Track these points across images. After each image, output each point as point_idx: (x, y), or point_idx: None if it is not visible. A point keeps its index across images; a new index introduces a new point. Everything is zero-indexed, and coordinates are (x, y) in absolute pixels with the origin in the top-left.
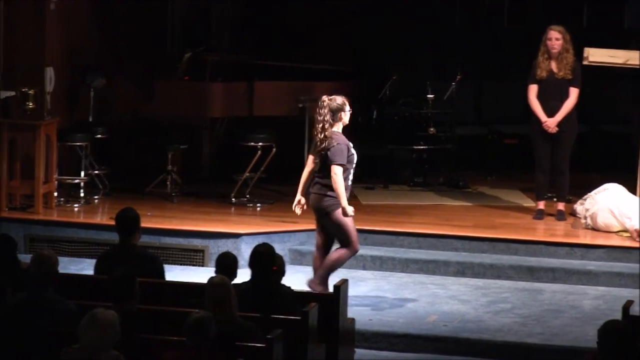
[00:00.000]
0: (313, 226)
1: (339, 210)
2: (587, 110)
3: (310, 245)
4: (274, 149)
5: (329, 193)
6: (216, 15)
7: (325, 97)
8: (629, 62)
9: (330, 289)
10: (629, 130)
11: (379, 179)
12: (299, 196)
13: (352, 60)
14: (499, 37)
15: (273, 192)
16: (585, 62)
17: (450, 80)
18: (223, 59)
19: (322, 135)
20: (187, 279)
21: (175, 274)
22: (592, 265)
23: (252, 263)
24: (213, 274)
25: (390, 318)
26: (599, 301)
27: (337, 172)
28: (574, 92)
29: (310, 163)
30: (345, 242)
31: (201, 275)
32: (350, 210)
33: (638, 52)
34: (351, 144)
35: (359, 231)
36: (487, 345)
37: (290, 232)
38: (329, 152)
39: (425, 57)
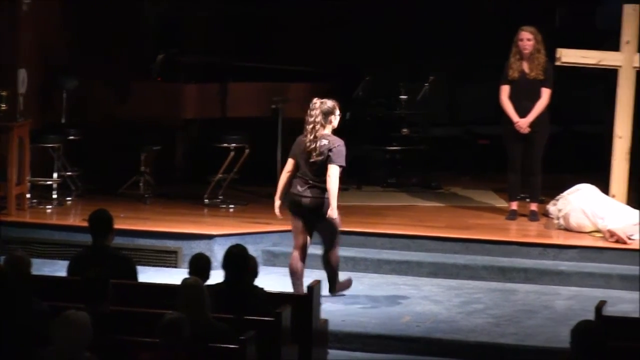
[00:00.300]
0: (286, 227)
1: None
2: (559, 110)
3: (284, 246)
4: (247, 150)
5: (322, 194)
6: (190, 16)
7: (316, 100)
8: (601, 63)
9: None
10: (601, 131)
11: (352, 180)
12: (278, 201)
13: (326, 61)
14: (472, 38)
15: (246, 193)
16: (557, 63)
17: (424, 81)
18: (196, 60)
19: (313, 137)
20: (160, 281)
21: (148, 275)
22: (564, 265)
23: (226, 264)
24: (186, 275)
25: (364, 319)
26: (571, 301)
27: (336, 172)
28: (546, 93)
29: (289, 166)
30: (333, 242)
31: (174, 276)
32: (336, 213)
33: (611, 52)
34: None
35: None
36: (460, 345)
37: (263, 234)
38: (331, 154)
39: (398, 58)
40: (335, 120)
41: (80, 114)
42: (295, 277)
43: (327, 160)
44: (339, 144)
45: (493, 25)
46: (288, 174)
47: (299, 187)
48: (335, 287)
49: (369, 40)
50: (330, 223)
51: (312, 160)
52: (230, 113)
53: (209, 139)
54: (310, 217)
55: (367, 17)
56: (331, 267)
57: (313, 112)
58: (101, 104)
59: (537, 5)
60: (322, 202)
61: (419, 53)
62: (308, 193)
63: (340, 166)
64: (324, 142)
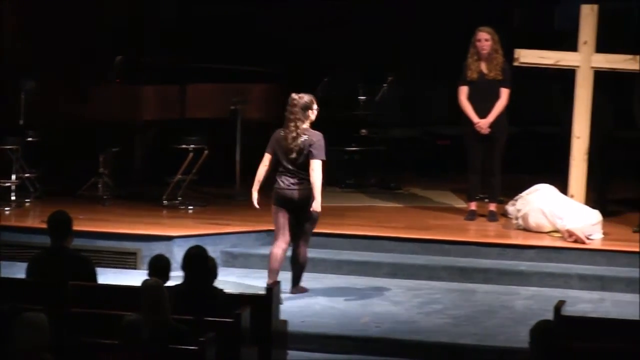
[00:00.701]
0: (245, 228)
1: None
2: (518, 111)
3: (243, 247)
4: (206, 151)
5: (309, 187)
6: (149, 18)
7: (294, 95)
8: (559, 63)
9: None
10: (559, 131)
11: None
12: (256, 194)
13: (285, 62)
14: (430, 38)
15: (205, 194)
16: (516, 63)
17: (382, 82)
18: (155, 61)
19: (295, 133)
20: (119, 282)
21: (107, 276)
22: (523, 265)
23: (185, 265)
24: (146, 277)
25: (323, 320)
26: (530, 301)
27: (319, 167)
28: (504, 93)
29: (266, 161)
30: (306, 239)
31: (134, 278)
32: (319, 206)
33: (568, 53)
34: None
35: None
36: (420, 346)
37: (222, 235)
38: (312, 149)
39: (357, 59)
40: (312, 114)
41: (38, 116)
42: (274, 272)
43: (309, 155)
44: (318, 139)
45: (451, 26)
46: (265, 167)
47: (285, 182)
48: (298, 285)
49: (328, 40)
50: (310, 218)
51: (293, 156)
52: (189, 114)
53: (168, 140)
54: (298, 210)
55: (326, 18)
56: (300, 264)
57: (293, 109)
58: (60, 106)
59: (494, 5)
60: (310, 195)
61: (377, 53)
62: (296, 187)
63: (323, 160)
64: (304, 137)
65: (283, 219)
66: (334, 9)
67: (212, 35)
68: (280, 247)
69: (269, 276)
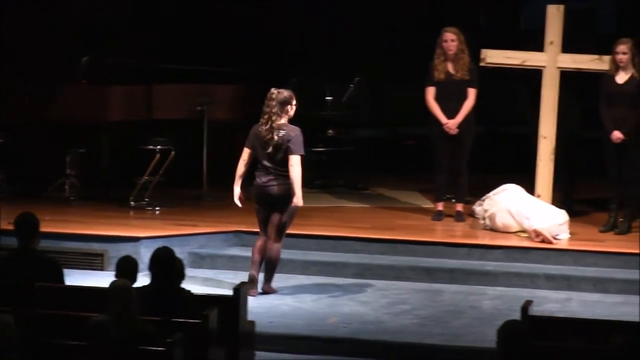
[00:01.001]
0: (213, 229)
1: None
2: (485, 111)
3: (210, 248)
4: (173, 152)
5: (291, 183)
6: (116, 18)
7: (273, 90)
8: (525, 63)
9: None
10: (526, 131)
11: None
12: (237, 189)
13: (251, 62)
14: (397, 39)
15: (172, 195)
16: (482, 64)
17: (349, 83)
18: (122, 62)
19: (269, 126)
20: (86, 283)
21: (74, 278)
22: (490, 265)
23: (152, 266)
24: (113, 278)
25: (291, 320)
26: (497, 301)
27: (297, 162)
28: (472, 93)
29: (245, 155)
30: (282, 232)
31: (101, 279)
32: (301, 200)
33: (535, 53)
34: None
35: (258, 234)
36: (387, 346)
37: (189, 236)
38: (290, 144)
39: (323, 60)
40: (291, 110)
41: (4, 117)
42: (254, 264)
43: (287, 150)
44: (296, 134)
45: (417, 26)
46: (244, 162)
47: (263, 178)
48: (268, 284)
49: (295, 41)
50: (290, 210)
51: (269, 150)
52: (156, 115)
53: (135, 141)
54: (278, 205)
55: (292, 18)
56: (270, 261)
57: (270, 103)
58: (26, 106)
59: (461, 6)
60: (289, 189)
61: (344, 54)
62: (274, 182)
63: (301, 155)
64: (282, 132)
65: (261, 215)
66: (301, 9)
67: (180, 35)
68: (261, 239)
69: (251, 267)
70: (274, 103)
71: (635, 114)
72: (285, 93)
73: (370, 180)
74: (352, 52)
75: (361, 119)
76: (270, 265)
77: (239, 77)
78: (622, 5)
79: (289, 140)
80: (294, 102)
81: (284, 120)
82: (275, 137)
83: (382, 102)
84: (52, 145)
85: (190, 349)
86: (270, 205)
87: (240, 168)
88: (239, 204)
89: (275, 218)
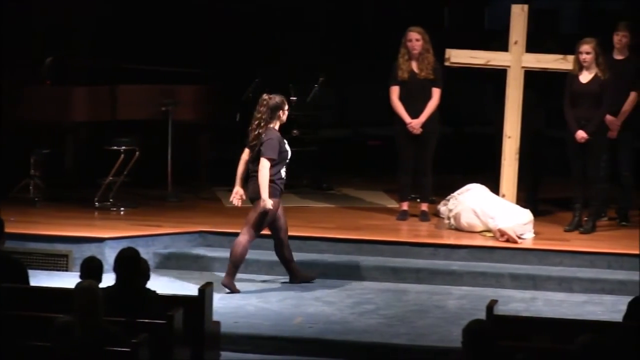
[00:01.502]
0: (177, 229)
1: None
2: (450, 111)
3: (175, 248)
4: (137, 153)
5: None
6: (80, 18)
7: (265, 96)
8: (490, 63)
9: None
10: (491, 131)
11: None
12: (237, 188)
13: (216, 63)
14: (361, 39)
15: (137, 195)
16: (447, 63)
17: (314, 83)
18: (86, 62)
19: (257, 132)
20: (51, 284)
21: (39, 279)
22: (456, 265)
23: (117, 267)
24: (78, 279)
25: (256, 321)
26: (463, 301)
27: (264, 165)
28: (436, 93)
29: (244, 156)
30: (252, 227)
31: (66, 280)
32: (269, 203)
33: (499, 52)
34: (285, 141)
35: (223, 234)
36: (353, 346)
37: (154, 236)
38: (262, 146)
39: (288, 60)
40: (283, 115)
41: None
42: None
43: (259, 152)
44: (269, 137)
45: (381, 26)
46: (243, 161)
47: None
48: (229, 278)
49: (259, 41)
50: (255, 212)
51: (252, 153)
52: (120, 115)
53: (99, 141)
54: (253, 204)
55: (255, 20)
56: (232, 253)
57: (261, 109)
58: None
59: (426, 6)
60: (258, 190)
61: (308, 54)
62: (250, 183)
63: (268, 158)
64: (262, 136)
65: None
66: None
67: (144, 36)
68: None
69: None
70: (264, 109)
71: (599, 113)
72: (277, 99)
73: (335, 180)
74: (317, 52)
75: (325, 119)
76: (230, 258)
77: (203, 78)
78: (586, 5)
79: (262, 143)
80: (286, 107)
81: (273, 125)
82: (256, 141)
83: (347, 102)
84: (17, 146)
85: (155, 350)
86: (252, 202)
87: (240, 168)
88: (236, 203)
89: (248, 215)
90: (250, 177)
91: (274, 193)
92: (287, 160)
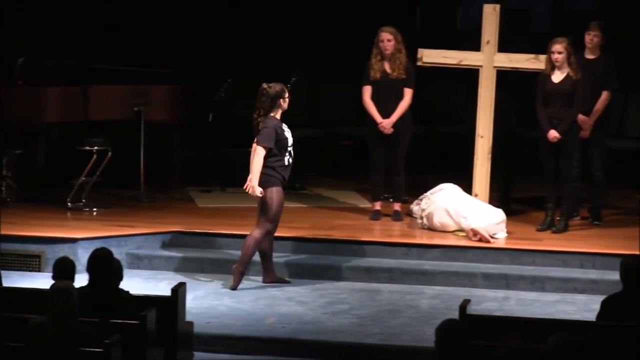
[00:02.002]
0: (150, 230)
1: (272, 189)
2: (422, 111)
3: (148, 249)
4: (110, 153)
5: (265, 171)
6: (52, 18)
7: (265, 85)
8: (462, 63)
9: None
10: (463, 131)
11: (216, 182)
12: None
13: (188, 63)
14: (333, 39)
15: (109, 196)
16: (419, 63)
17: (286, 83)
18: (58, 63)
19: (257, 122)
20: (24, 285)
21: (12, 279)
22: (428, 265)
23: (90, 268)
24: (50, 280)
25: (229, 321)
26: (435, 300)
27: (258, 152)
28: (408, 93)
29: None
30: (262, 220)
31: (38, 280)
32: (257, 190)
33: (471, 52)
34: (285, 127)
35: (196, 234)
36: (326, 346)
37: (127, 236)
38: (258, 135)
39: (260, 60)
40: (284, 103)
41: None
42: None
43: (255, 140)
44: (265, 125)
45: (352, 25)
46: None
47: None
48: (240, 267)
49: (230, 41)
50: (262, 203)
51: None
52: (92, 116)
53: (72, 142)
54: None
55: (227, 20)
56: (245, 247)
57: (261, 99)
58: None
59: (398, 6)
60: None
61: (279, 54)
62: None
63: (263, 147)
64: (261, 125)
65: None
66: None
67: (116, 36)
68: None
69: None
70: (263, 98)
71: (572, 113)
72: (277, 87)
73: (308, 180)
74: (289, 52)
75: (297, 119)
76: (244, 253)
77: (175, 78)
78: (557, 5)
79: (258, 132)
80: (286, 95)
81: (274, 114)
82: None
83: (319, 102)
84: None
85: (128, 350)
86: None
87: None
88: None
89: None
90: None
91: (273, 182)
92: (290, 147)
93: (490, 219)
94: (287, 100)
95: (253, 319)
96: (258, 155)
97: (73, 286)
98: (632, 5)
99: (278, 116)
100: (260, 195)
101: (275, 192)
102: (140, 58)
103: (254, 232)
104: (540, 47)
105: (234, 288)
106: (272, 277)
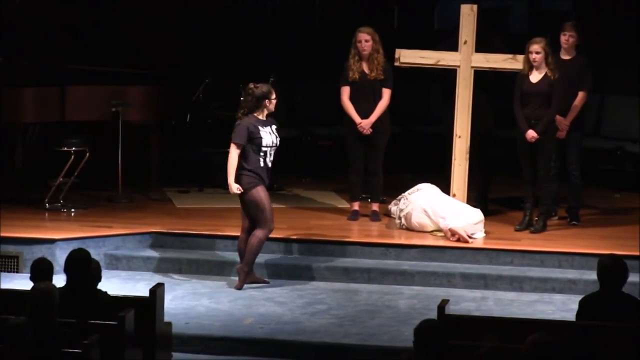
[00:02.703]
0: (128, 230)
1: (255, 190)
2: (400, 111)
3: (126, 249)
4: (88, 154)
5: (242, 172)
6: (28, 18)
7: (251, 85)
8: (440, 63)
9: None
10: (440, 131)
11: (193, 182)
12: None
13: (165, 63)
14: (311, 39)
15: (87, 196)
16: (396, 63)
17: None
18: (34, 63)
19: (239, 121)
20: (2, 286)
21: None
22: (407, 265)
23: (68, 268)
24: (28, 280)
25: (207, 321)
26: (414, 300)
27: (230, 149)
28: (386, 93)
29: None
30: (260, 221)
31: (16, 281)
32: (234, 188)
33: (449, 52)
34: (265, 128)
35: (174, 235)
36: (304, 346)
37: (105, 237)
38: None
39: (238, 60)
40: (270, 104)
41: None
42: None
43: None
44: (239, 123)
45: (329, 25)
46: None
47: None
48: (244, 268)
49: (208, 41)
50: (248, 198)
51: None
52: (70, 116)
53: (49, 142)
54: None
55: (208, 19)
56: (249, 248)
57: (247, 98)
58: None
59: (375, 6)
60: (238, 178)
61: (257, 55)
62: None
63: (234, 143)
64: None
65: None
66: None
67: (93, 37)
68: (241, 232)
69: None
70: (249, 98)
71: (549, 113)
72: (263, 88)
73: (286, 180)
74: (267, 52)
75: (276, 119)
76: (247, 253)
77: (153, 79)
78: (534, 5)
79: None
80: (273, 96)
81: (258, 114)
82: None
83: (297, 102)
84: None
85: (106, 351)
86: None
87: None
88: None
89: (248, 209)
90: None
91: (255, 183)
92: (265, 148)
93: (469, 219)
94: (273, 101)
95: (231, 319)
96: (230, 152)
97: (55, 287)
98: (607, 5)
99: (262, 117)
100: (238, 192)
101: (260, 191)
102: (117, 58)
103: (257, 232)
104: (517, 47)
105: (239, 288)
106: (251, 277)
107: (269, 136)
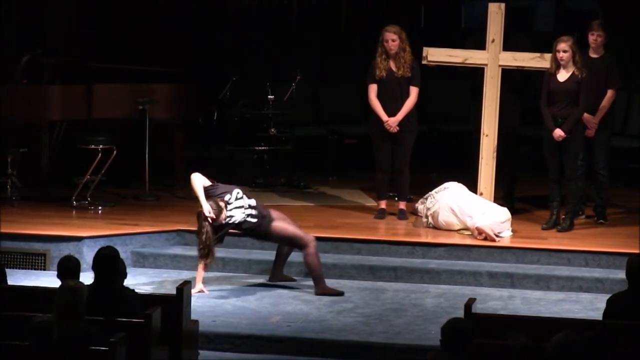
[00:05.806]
0: (155, 228)
1: (270, 226)
2: (427, 109)
3: (152, 247)
4: (115, 152)
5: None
6: (54, 17)
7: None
8: (467, 62)
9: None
10: (468, 129)
11: (220, 181)
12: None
13: (191, 62)
14: (337, 37)
15: (114, 194)
16: (424, 62)
17: (290, 81)
18: (61, 61)
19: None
20: (29, 283)
21: (16, 278)
22: (433, 263)
23: (95, 266)
24: (55, 278)
25: (234, 319)
26: (440, 299)
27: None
28: (414, 91)
29: None
30: (298, 245)
31: (43, 279)
32: (206, 210)
33: (476, 51)
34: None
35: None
36: (330, 345)
37: (131, 235)
38: None
39: (265, 58)
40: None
41: None
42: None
43: None
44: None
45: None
46: None
47: None
48: (319, 290)
49: (235, 40)
50: (281, 238)
51: None
52: (96, 114)
53: (76, 140)
54: None
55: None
56: (311, 270)
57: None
58: None
59: (402, 5)
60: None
61: (283, 53)
62: None
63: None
64: None
65: None
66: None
67: (120, 35)
68: None
69: None
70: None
71: (577, 111)
72: None
73: (313, 179)
74: (293, 50)
75: (303, 117)
76: (313, 273)
77: (179, 77)
78: (561, 4)
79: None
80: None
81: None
82: None
83: (323, 101)
84: None
85: (133, 349)
86: None
87: None
88: None
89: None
90: None
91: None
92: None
93: (495, 218)
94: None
95: (258, 317)
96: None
97: (84, 286)
98: (632, 3)
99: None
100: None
101: (275, 225)
102: (143, 56)
103: (306, 252)
104: (543, 45)
105: (341, 294)
106: (278, 275)
107: (238, 213)
